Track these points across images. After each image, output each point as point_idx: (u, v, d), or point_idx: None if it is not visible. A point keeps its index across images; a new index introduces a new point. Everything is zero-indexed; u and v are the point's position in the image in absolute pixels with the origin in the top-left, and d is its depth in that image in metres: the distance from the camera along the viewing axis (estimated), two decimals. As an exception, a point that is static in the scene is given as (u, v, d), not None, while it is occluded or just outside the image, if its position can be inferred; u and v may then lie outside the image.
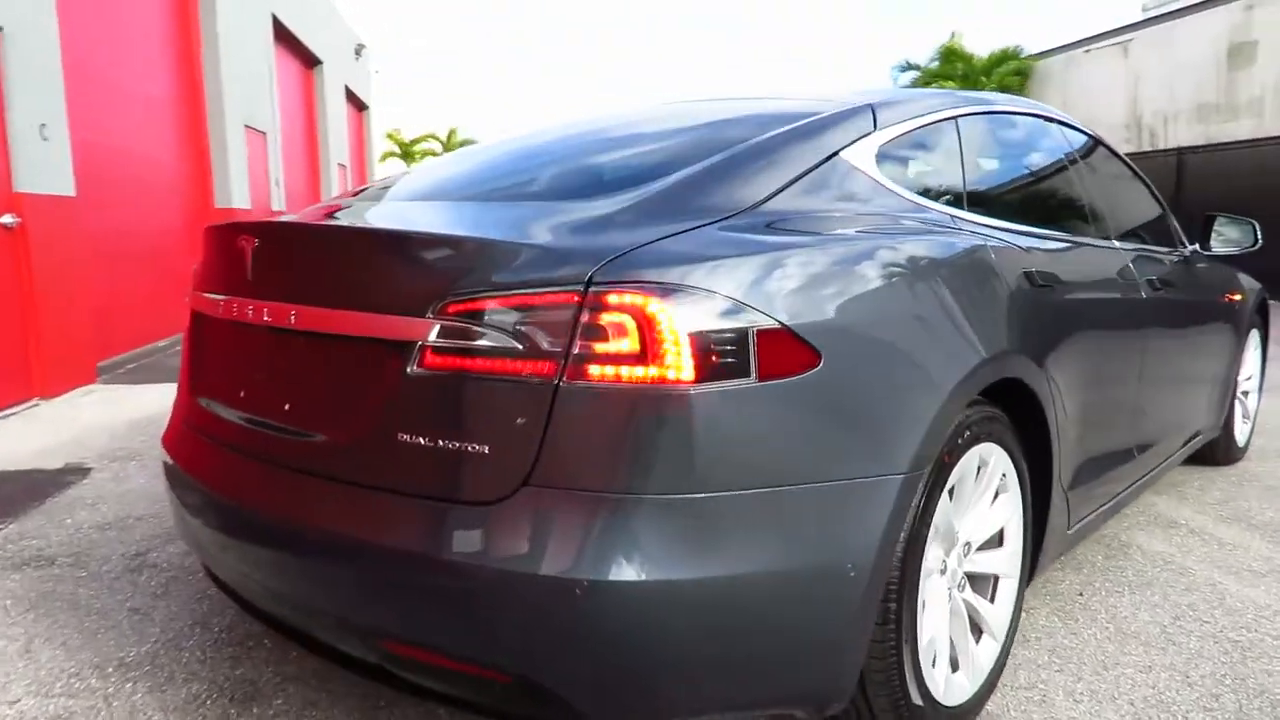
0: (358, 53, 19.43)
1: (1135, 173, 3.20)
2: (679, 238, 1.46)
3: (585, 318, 1.34)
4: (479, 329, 1.38)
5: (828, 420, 1.47)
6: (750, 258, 1.45)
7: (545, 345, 1.35)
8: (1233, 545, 3.05)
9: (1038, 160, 2.66)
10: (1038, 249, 2.18)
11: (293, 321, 1.60)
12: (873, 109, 2.00)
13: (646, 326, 1.32)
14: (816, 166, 1.78)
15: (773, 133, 1.84)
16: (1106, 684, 2.12)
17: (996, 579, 2.02)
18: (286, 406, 1.66)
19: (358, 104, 20.42)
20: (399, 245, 1.53)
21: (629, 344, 1.33)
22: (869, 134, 1.93)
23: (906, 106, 2.10)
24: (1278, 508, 3.46)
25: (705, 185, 1.66)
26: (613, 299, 1.33)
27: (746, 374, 1.36)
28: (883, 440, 1.54)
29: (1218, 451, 3.88)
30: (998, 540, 2.01)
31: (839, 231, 1.67)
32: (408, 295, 1.45)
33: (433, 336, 1.41)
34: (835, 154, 1.84)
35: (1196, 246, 3.42)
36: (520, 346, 1.36)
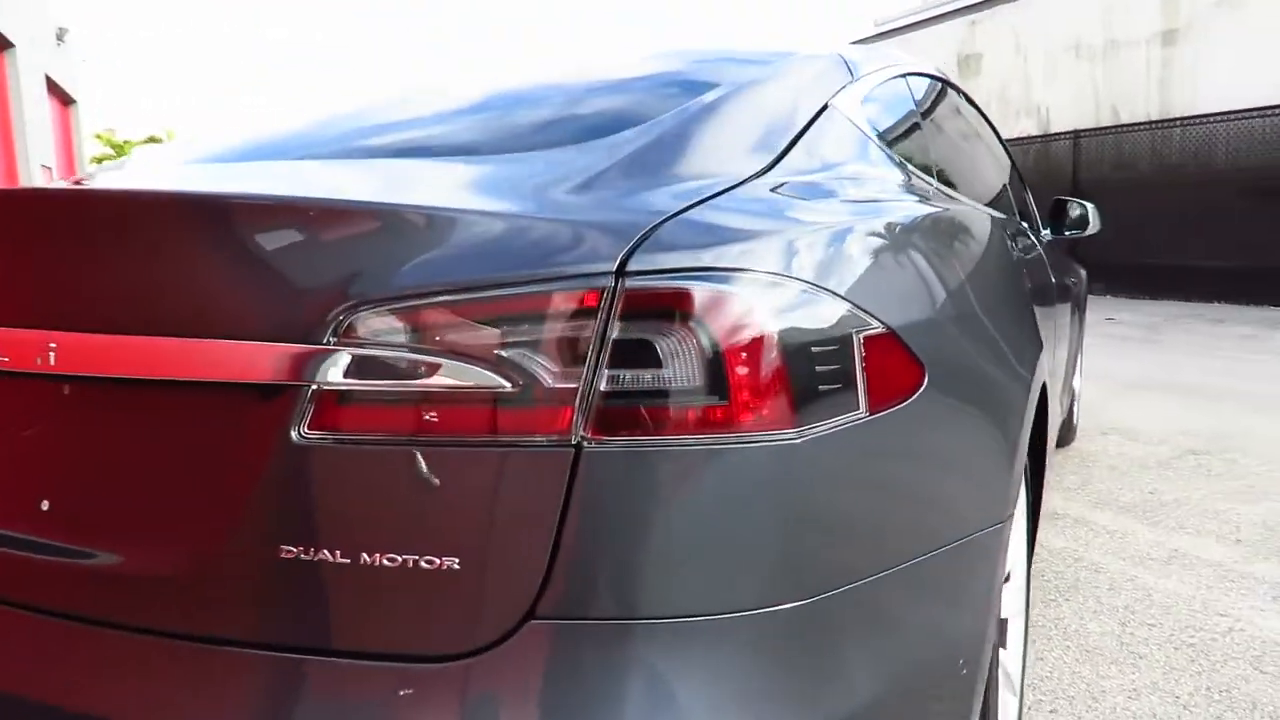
0: (60, 37, 16.74)
1: (1009, 153, 3.09)
2: (716, 204, 0.96)
3: (617, 331, 0.80)
4: (423, 358, 0.81)
5: (937, 459, 1.04)
6: (824, 233, 0.98)
7: (549, 380, 0.80)
8: (1121, 533, 2.99)
9: (969, 132, 2.40)
10: (1009, 228, 1.89)
11: (52, 361, 0.92)
12: (842, 55, 1.60)
13: (720, 340, 0.81)
14: (816, 118, 1.34)
15: (750, 75, 1.38)
16: (1104, 719, 1.86)
17: (1005, 621, 1.69)
18: (44, 506, 0.97)
19: (63, 97, 17.62)
20: (265, 220, 0.88)
21: (691, 370, 0.81)
22: (850, 83, 1.52)
23: (865, 55, 1.72)
24: (1133, 487, 3.50)
25: (698, 137, 1.17)
26: (661, 298, 0.81)
27: (854, 406, 0.89)
28: (986, 478, 1.14)
29: (1060, 433, 3.92)
30: (1006, 575, 1.68)
31: (882, 202, 1.24)
32: (285, 306, 0.84)
33: (335, 374, 0.82)
34: (826, 106, 1.41)
35: (1049, 230, 3.38)
36: (505, 384, 0.80)
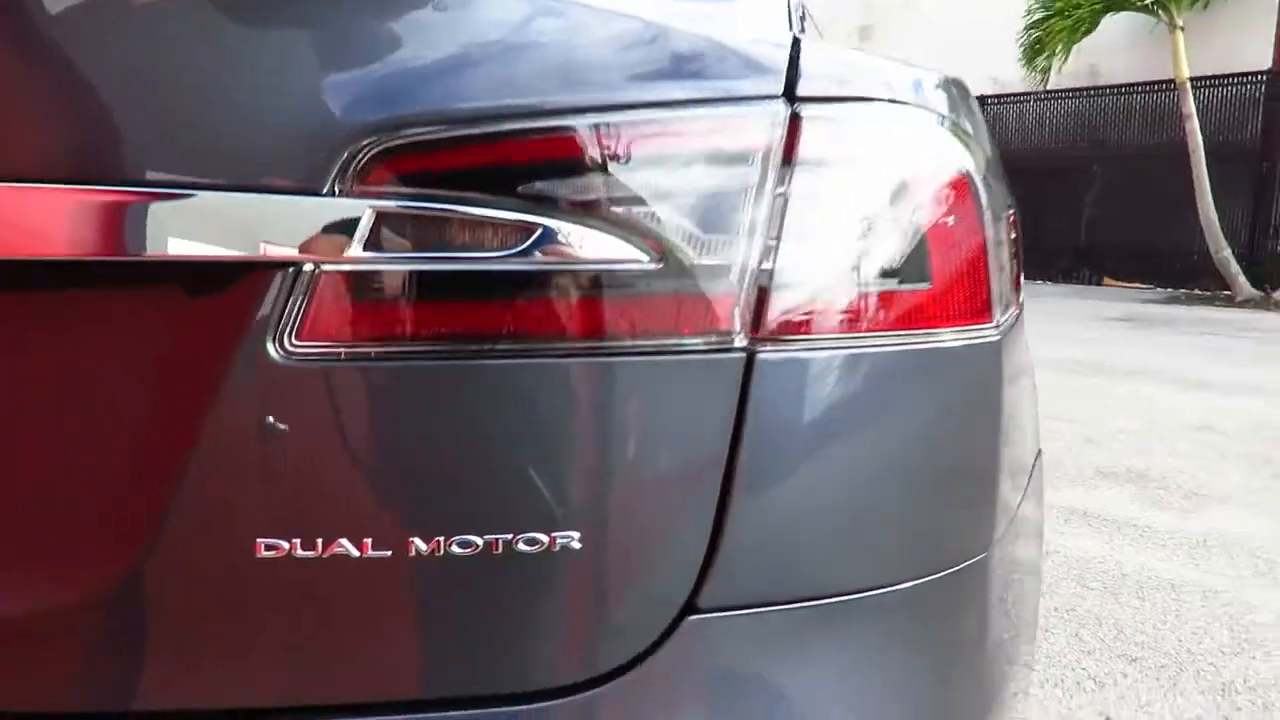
0: None
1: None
2: (819, 39, 0.72)
3: (793, 183, 0.54)
4: (500, 218, 0.50)
5: (1025, 370, 0.89)
6: (946, 88, 0.78)
7: (694, 255, 0.53)
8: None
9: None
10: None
11: None
12: None
13: (929, 199, 0.59)
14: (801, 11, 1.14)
15: None
16: (982, 652, 1.89)
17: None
18: None
19: None
20: None
21: (894, 239, 0.57)
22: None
23: None
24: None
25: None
26: (856, 134, 0.57)
27: (1011, 300, 0.71)
28: (1035, 393, 1.02)
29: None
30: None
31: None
32: (252, 129, 0.48)
33: (346, 246, 0.48)
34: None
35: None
36: (638, 259, 0.51)
